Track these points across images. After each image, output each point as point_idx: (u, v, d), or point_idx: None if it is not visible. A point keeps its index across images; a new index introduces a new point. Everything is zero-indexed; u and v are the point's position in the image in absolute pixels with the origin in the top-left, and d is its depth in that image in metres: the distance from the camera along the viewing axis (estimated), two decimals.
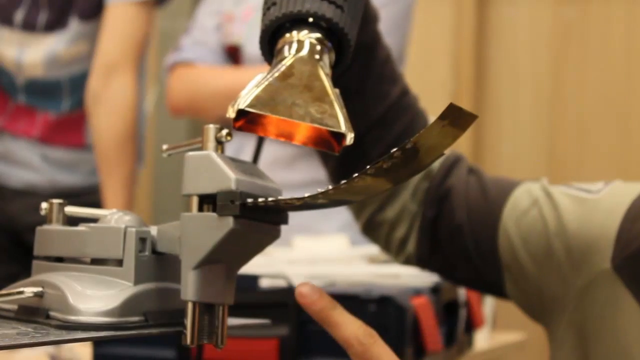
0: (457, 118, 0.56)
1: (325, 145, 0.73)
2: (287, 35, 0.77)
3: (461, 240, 0.99)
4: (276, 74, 0.73)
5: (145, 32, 1.97)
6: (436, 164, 1.00)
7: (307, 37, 0.76)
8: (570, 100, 3.14)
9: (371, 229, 1.04)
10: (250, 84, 0.72)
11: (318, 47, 0.76)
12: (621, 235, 0.92)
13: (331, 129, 0.71)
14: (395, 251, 1.03)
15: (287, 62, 0.74)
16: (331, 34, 0.78)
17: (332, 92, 0.73)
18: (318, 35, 0.77)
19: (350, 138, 0.71)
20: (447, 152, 0.64)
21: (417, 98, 1.01)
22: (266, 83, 0.71)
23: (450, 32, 3.23)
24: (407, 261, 1.03)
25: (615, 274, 0.91)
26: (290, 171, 1.90)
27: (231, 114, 0.70)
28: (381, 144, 0.97)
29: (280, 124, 0.72)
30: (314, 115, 0.71)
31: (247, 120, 0.71)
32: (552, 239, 0.95)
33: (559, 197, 0.97)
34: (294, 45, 0.76)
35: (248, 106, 0.70)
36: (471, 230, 0.98)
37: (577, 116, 3.12)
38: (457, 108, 0.56)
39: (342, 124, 0.71)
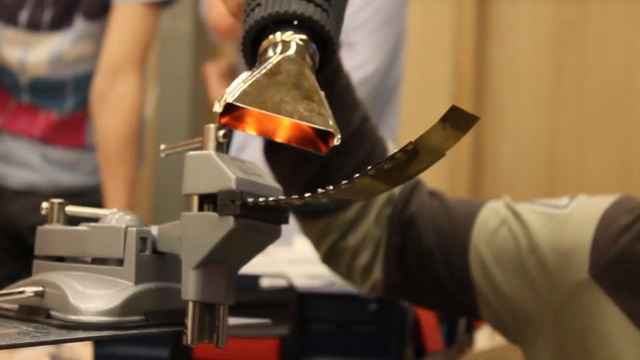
0: (458, 120, 0.56)
1: (311, 145, 0.72)
2: (271, 36, 0.76)
3: (432, 266, 0.98)
4: (263, 71, 0.71)
5: (152, 34, 1.97)
6: (397, 189, 0.99)
7: (293, 38, 0.75)
8: (570, 100, 3.14)
9: (332, 258, 1.01)
10: (237, 80, 0.70)
11: (304, 48, 0.75)
12: (596, 245, 0.92)
13: (320, 128, 0.70)
14: (359, 278, 1.01)
15: (274, 60, 0.73)
16: (315, 37, 0.77)
17: (320, 91, 0.72)
18: (303, 36, 0.76)
19: (338, 138, 0.70)
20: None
21: (376, 125, 1.00)
22: (253, 79, 0.70)
23: (451, 32, 3.23)
24: (374, 289, 1.01)
25: (595, 282, 0.91)
26: None
27: (217, 108, 0.69)
28: (344, 170, 0.95)
29: (266, 120, 0.71)
30: (303, 113, 0.70)
31: (233, 116, 0.70)
32: (524, 257, 0.95)
33: (526, 215, 0.96)
34: (279, 46, 0.75)
35: (236, 100, 0.68)
36: (442, 254, 0.97)
37: (577, 116, 3.12)
38: (459, 110, 0.56)
39: (332, 123, 0.71)
